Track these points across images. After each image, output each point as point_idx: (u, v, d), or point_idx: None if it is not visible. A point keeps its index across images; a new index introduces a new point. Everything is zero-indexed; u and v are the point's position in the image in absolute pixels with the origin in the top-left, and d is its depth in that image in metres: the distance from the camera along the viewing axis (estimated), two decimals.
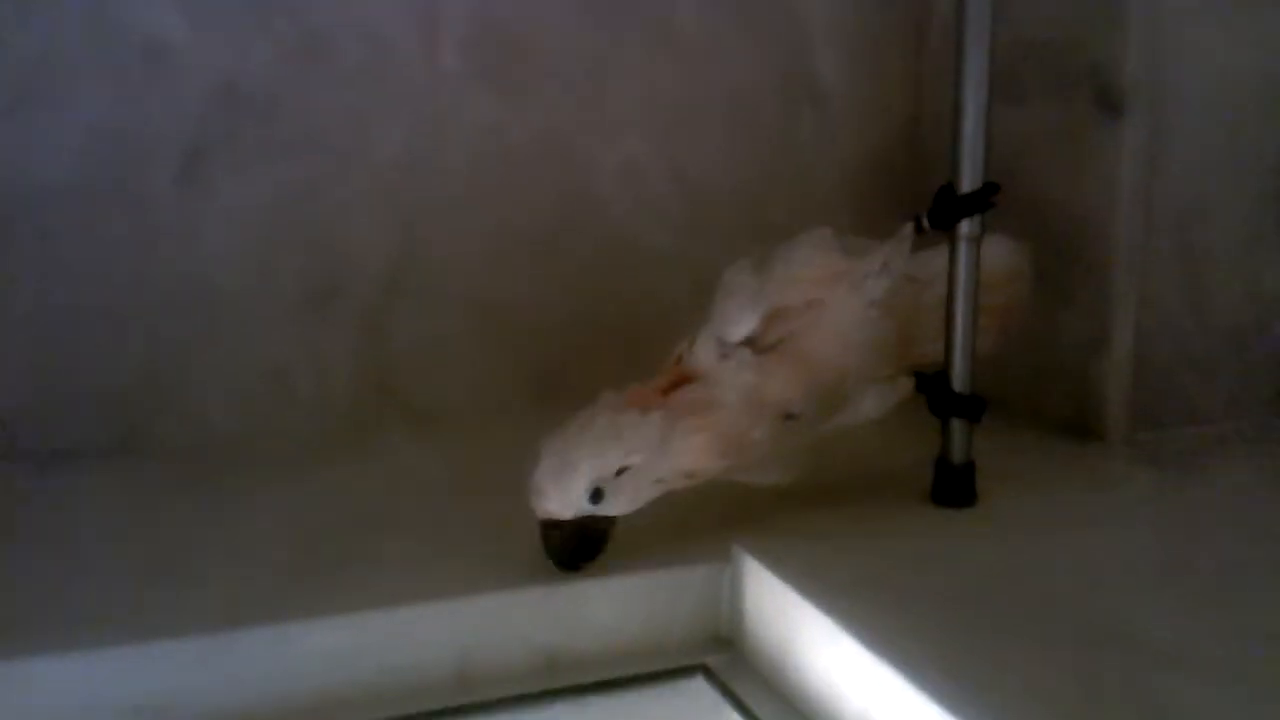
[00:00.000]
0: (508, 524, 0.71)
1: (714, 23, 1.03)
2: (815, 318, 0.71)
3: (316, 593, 0.64)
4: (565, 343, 1.01)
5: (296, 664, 0.61)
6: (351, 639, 0.62)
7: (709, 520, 0.71)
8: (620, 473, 0.64)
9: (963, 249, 0.74)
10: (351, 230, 0.95)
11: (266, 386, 0.94)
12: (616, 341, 1.00)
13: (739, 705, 0.63)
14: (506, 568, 0.67)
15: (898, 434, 0.76)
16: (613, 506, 0.65)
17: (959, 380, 0.75)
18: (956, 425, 0.76)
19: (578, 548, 0.65)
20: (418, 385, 0.98)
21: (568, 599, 0.65)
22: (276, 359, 0.94)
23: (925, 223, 0.75)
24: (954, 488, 0.76)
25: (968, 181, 0.73)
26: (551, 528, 0.64)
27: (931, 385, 0.76)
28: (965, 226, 0.74)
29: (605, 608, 0.66)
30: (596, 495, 0.64)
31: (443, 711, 0.61)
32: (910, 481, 0.77)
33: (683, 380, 0.69)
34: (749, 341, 0.70)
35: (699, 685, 0.65)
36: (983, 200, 0.73)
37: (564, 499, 0.63)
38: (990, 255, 0.75)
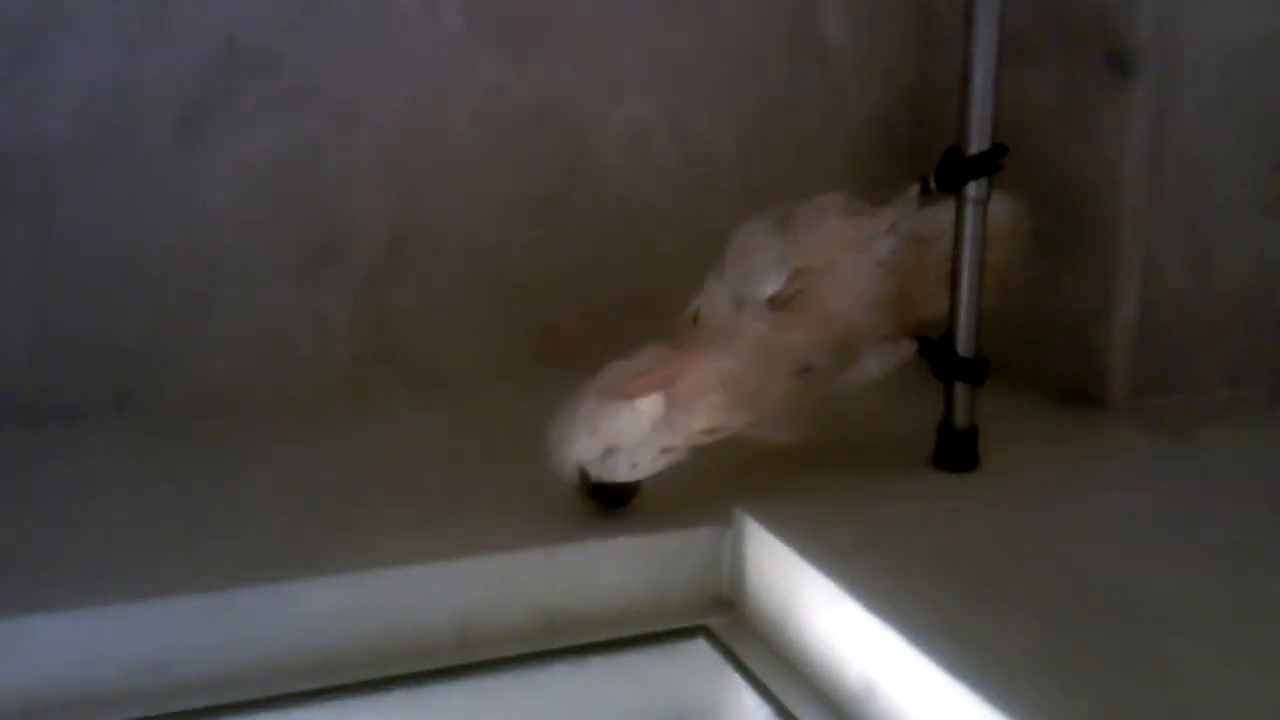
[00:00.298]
0: (508, 485, 0.72)
1: None
2: (829, 275, 0.72)
3: (318, 552, 0.64)
4: (566, 304, 1.01)
5: (298, 623, 0.61)
6: (353, 598, 0.62)
7: (711, 482, 0.71)
8: (608, 454, 0.66)
9: (969, 211, 0.74)
10: (352, 190, 0.95)
11: (267, 346, 0.94)
12: (618, 303, 1.00)
13: (740, 666, 0.63)
14: (507, 529, 0.67)
15: (901, 398, 0.76)
16: (616, 475, 0.67)
17: (963, 344, 0.75)
18: (960, 389, 0.75)
19: (601, 497, 0.68)
20: (418, 346, 0.98)
21: (569, 560, 0.65)
22: (277, 319, 0.94)
23: (932, 184, 0.74)
24: (957, 452, 0.76)
25: (975, 143, 0.73)
26: (586, 483, 0.67)
27: (935, 349, 0.75)
28: (973, 189, 0.73)
29: (606, 569, 0.66)
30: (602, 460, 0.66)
31: (444, 671, 0.61)
32: (913, 446, 0.77)
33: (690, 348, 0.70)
34: (769, 299, 0.71)
35: (700, 647, 0.65)
36: (990, 162, 0.72)
37: (562, 467, 0.67)
38: (989, 213, 0.75)
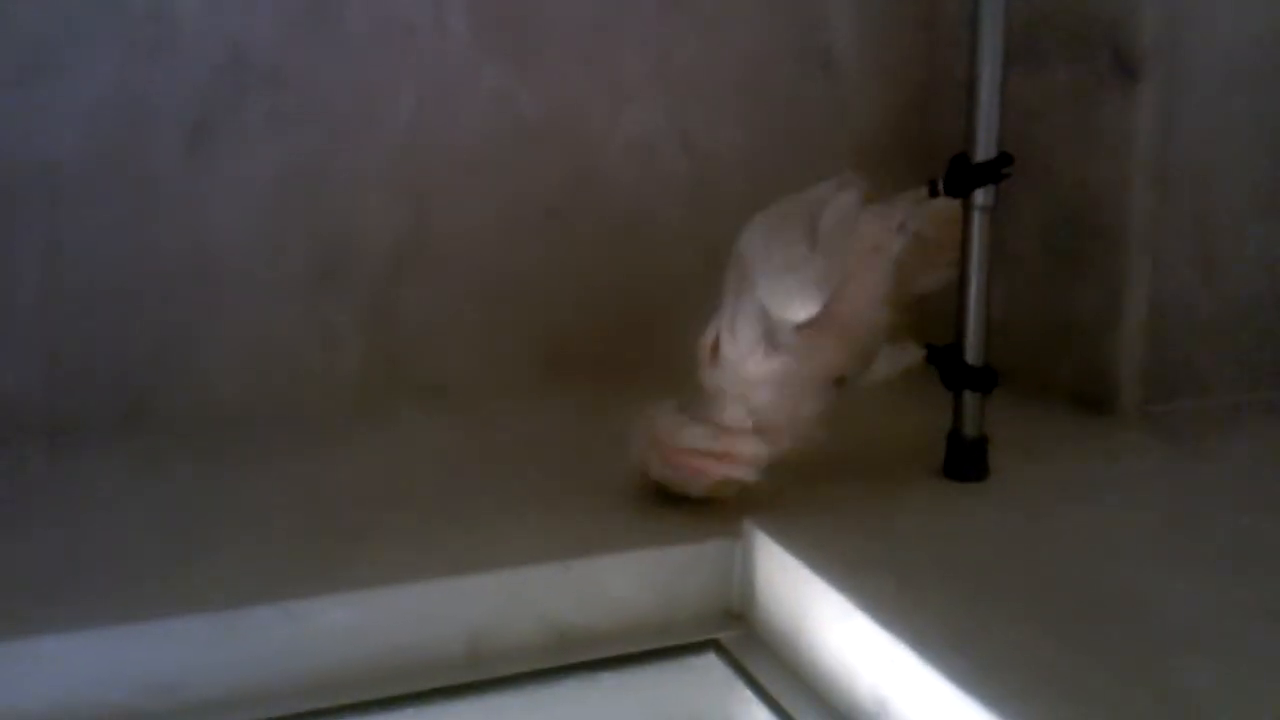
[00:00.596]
0: (516, 499, 0.71)
1: None
2: (850, 284, 0.71)
3: (327, 569, 0.64)
4: (574, 315, 1.00)
5: (307, 641, 0.61)
6: (363, 615, 0.62)
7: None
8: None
9: (976, 219, 0.73)
10: (359, 202, 0.95)
11: (275, 361, 0.94)
12: (626, 314, 1.00)
13: (750, 681, 0.63)
14: (517, 543, 0.67)
15: (910, 407, 0.76)
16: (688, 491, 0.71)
17: (971, 353, 0.75)
18: (969, 399, 0.75)
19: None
20: (427, 359, 0.98)
21: (579, 575, 0.65)
22: (285, 333, 0.94)
23: (940, 188, 0.74)
24: (967, 462, 0.75)
25: (981, 151, 0.73)
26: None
27: (944, 358, 0.75)
28: (980, 196, 0.73)
29: (617, 583, 0.66)
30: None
31: (455, 688, 0.61)
32: (923, 456, 0.77)
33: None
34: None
35: (710, 661, 0.65)
36: (996, 171, 0.72)
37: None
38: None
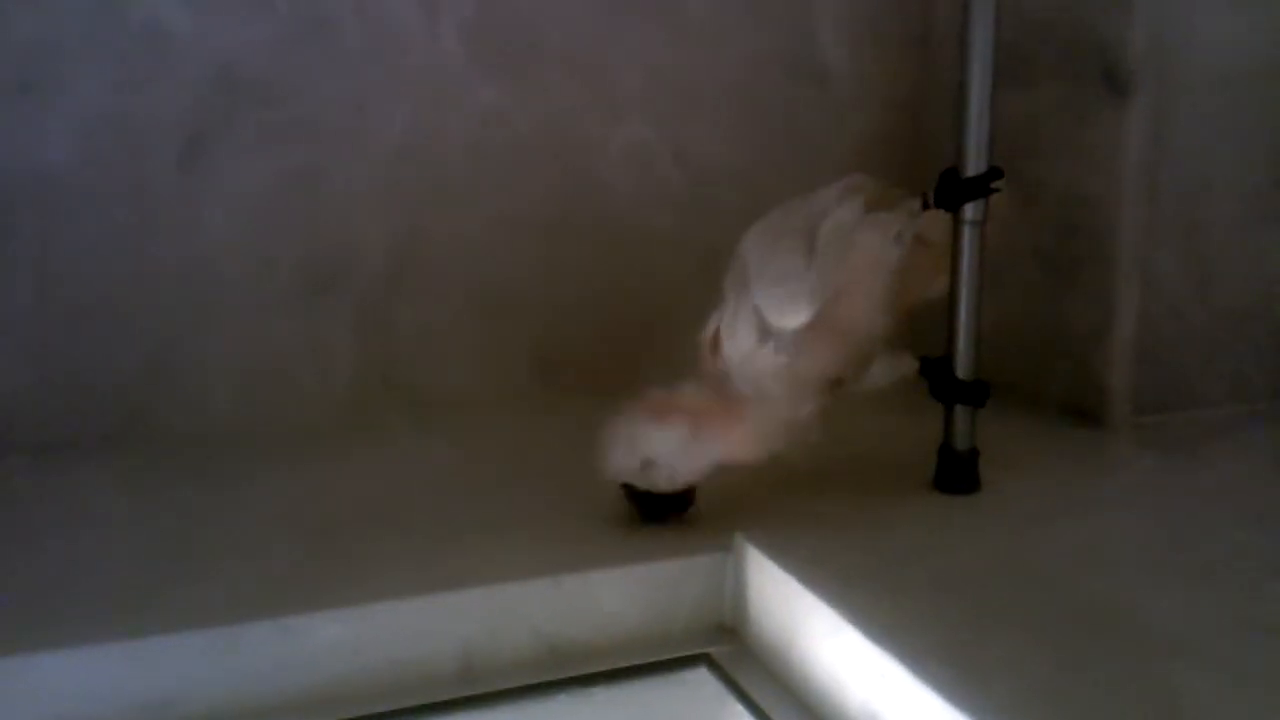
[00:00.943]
0: (510, 513, 0.72)
1: (718, 4, 1.02)
2: (848, 291, 0.72)
3: (320, 585, 0.64)
4: (568, 327, 1.01)
5: (301, 658, 0.61)
6: (356, 631, 0.62)
7: (711, 508, 0.71)
8: (646, 466, 0.69)
9: (966, 233, 0.74)
10: (353, 215, 0.95)
11: (268, 374, 0.94)
12: (620, 325, 1.00)
13: (742, 695, 0.63)
14: (511, 559, 0.67)
15: (901, 420, 0.76)
16: (657, 485, 0.70)
17: (962, 367, 0.75)
18: (960, 412, 0.75)
19: (648, 507, 0.71)
20: (420, 372, 0.98)
21: (571, 590, 0.65)
22: (278, 347, 0.94)
23: (931, 201, 0.74)
24: (958, 475, 0.76)
25: (972, 166, 0.73)
26: (623, 487, 0.71)
27: (935, 371, 0.75)
28: (969, 210, 0.73)
29: (609, 598, 0.66)
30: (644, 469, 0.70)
31: (448, 703, 0.61)
32: (914, 469, 0.77)
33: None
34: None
35: (702, 675, 0.65)
36: (985, 185, 0.73)
37: (611, 475, 0.70)
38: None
